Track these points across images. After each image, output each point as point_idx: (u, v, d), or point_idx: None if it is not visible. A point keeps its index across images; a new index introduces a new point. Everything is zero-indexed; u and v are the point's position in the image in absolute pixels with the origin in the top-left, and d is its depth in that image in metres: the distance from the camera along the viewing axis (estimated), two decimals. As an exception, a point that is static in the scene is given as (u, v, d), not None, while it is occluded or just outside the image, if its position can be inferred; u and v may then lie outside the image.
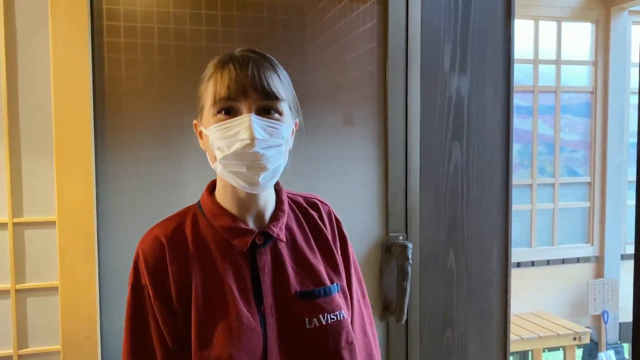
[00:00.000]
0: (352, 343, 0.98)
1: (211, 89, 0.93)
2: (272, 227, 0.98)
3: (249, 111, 0.90)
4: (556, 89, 3.89)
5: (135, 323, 0.94)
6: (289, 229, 1.02)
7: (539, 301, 3.87)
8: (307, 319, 0.95)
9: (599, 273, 4.00)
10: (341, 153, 1.72)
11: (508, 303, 1.90)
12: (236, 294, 0.93)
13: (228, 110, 0.92)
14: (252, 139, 0.88)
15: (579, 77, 3.95)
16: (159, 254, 0.93)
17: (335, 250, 1.05)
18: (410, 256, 1.71)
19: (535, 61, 3.83)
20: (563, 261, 3.94)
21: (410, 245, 1.72)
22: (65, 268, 1.47)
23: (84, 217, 1.48)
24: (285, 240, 0.99)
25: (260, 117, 0.91)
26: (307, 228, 1.04)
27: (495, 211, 1.87)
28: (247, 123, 0.89)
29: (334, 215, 1.11)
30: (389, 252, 1.76)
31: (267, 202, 1.00)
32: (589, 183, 3.99)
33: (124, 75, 1.54)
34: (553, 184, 3.92)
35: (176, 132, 1.57)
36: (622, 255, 3.98)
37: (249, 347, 0.91)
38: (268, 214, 1.00)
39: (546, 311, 3.82)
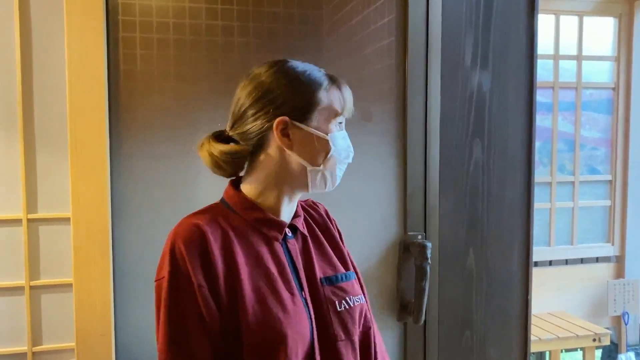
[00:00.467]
0: (370, 330, 1.06)
1: (335, 99, 1.02)
2: (296, 221, 1.06)
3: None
4: (577, 85, 3.81)
5: (175, 313, 0.92)
6: (304, 225, 1.09)
7: (558, 301, 3.80)
8: (336, 302, 1.01)
9: (619, 273, 3.93)
10: (359, 149, 1.62)
11: (529, 304, 1.86)
12: (280, 280, 0.97)
13: (341, 123, 1.04)
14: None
15: (600, 73, 3.86)
16: (200, 239, 0.93)
17: (341, 245, 1.13)
18: (429, 256, 1.67)
19: (556, 56, 3.75)
20: (582, 261, 3.86)
21: (429, 244, 1.68)
22: (80, 265, 1.46)
23: (99, 213, 1.46)
24: (303, 232, 1.07)
25: None
26: (314, 225, 1.11)
27: (516, 210, 1.83)
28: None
29: (329, 214, 1.18)
30: (407, 251, 1.72)
31: (296, 203, 1.09)
32: (610, 181, 3.91)
33: (140, 70, 1.52)
34: (573, 182, 3.85)
35: (192, 127, 1.54)
36: (643, 256, 3.90)
37: (301, 330, 0.94)
38: (293, 212, 1.07)
39: (564, 311, 3.76)
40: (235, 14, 1.58)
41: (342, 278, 1.06)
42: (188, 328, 0.91)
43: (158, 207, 1.54)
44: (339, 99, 1.02)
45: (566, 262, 3.85)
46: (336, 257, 1.09)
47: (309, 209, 1.14)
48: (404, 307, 1.73)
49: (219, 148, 1.00)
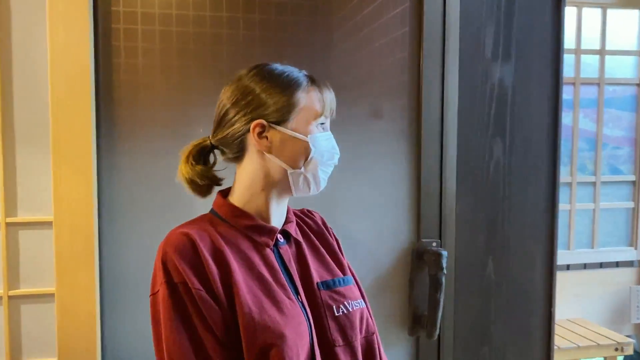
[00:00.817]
0: (373, 336, 1.04)
1: (315, 100, 1.00)
2: (288, 227, 1.05)
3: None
4: (599, 81, 3.64)
5: (177, 323, 0.90)
6: (296, 231, 1.08)
7: (577, 307, 3.64)
8: (334, 306, 0.99)
9: None
10: (368, 149, 1.57)
11: (552, 317, 1.72)
12: (274, 284, 0.96)
13: (323, 124, 1.02)
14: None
15: (624, 68, 3.69)
16: (191, 246, 0.93)
17: (338, 252, 1.12)
18: (444, 265, 1.54)
19: (578, 51, 3.59)
20: (601, 265, 3.70)
21: (445, 253, 1.55)
22: (63, 273, 1.34)
23: (83, 216, 1.34)
24: (296, 238, 1.06)
25: None
26: (309, 232, 1.10)
27: (539, 214, 1.70)
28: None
29: (326, 222, 1.17)
30: (420, 259, 1.60)
31: (286, 207, 1.07)
32: (634, 182, 3.74)
33: (130, 64, 1.40)
34: (594, 183, 3.69)
35: (184, 124, 1.42)
36: (668, 260, 3.73)
37: (299, 333, 0.93)
38: (284, 218, 1.06)
39: (584, 318, 3.60)
40: (241, 5, 1.46)
41: (339, 282, 1.04)
42: (192, 335, 0.90)
43: (149, 209, 1.42)
44: (319, 99, 1.01)
45: (584, 266, 3.69)
46: (334, 263, 1.08)
47: (304, 217, 1.14)
48: (417, 321, 1.61)
49: (197, 170, 1.02)
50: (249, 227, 1.00)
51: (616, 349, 3.19)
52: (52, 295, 1.36)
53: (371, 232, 1.58)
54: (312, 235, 1.11)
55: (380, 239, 1.59)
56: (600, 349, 3.17)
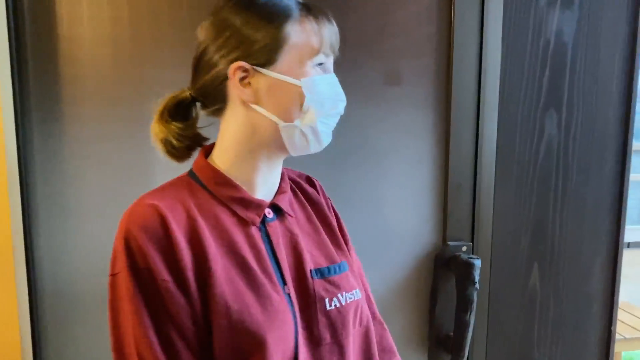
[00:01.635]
0: (368, 325, 0.95)
1: (311, 34, 0.85)
2: (279, 200, 0.91)
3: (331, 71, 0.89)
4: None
5: (143, 316, 0.79)
6: (291, 204, 0.94)
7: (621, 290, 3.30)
8: (327, 299, 0.88)
9: None
10: (382, 125, 1.26)
11: (612, 338, 1.39)
12: (259, 272, 0.84)
13: (322, 65, 0.86)
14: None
15: None
16: (160, 223, 0.80)
17: (337, 228, 0.99)
18: (477, 278, 1.21)
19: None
20: (628, 245, 3.33)
21: (477, 262, 1.22)
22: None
23: (-1, 218, 1.03)
24: (293, 215, 0.93)
25: None
26: (307, 204, 0.97)
27: (602, 211, 1.37)
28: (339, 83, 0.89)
29: (324, 191, 1.03)
30: (446, 268, 1.29)
31: (279, 173, 0.93)
32: None
33: (65, 31, 1.05)
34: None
35: (129, 104, 1.11)
36: None
37: (283, 334, 0.83)
38: (276, 187, 0.92)
39: (629, 302, 3.25)
40: None
41: (335, 270, 0.92)
42: (164, 330, 0.79)
43: (85, 205, 1.11)
44: (315, 32, 0.85)
45: (628, 245, 3.33)
46: (332, 244, 0.95)
47: (303, 184, 0.99)
48: (440, 343, 1.31)
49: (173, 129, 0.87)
50: (233, 199, 0.87)
51: (665, 341, 2.83)
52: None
53: (384, 233, 1.30)
54: (310, 208, 0.97)
55: (395, 241, 1.30)
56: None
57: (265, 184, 0.90)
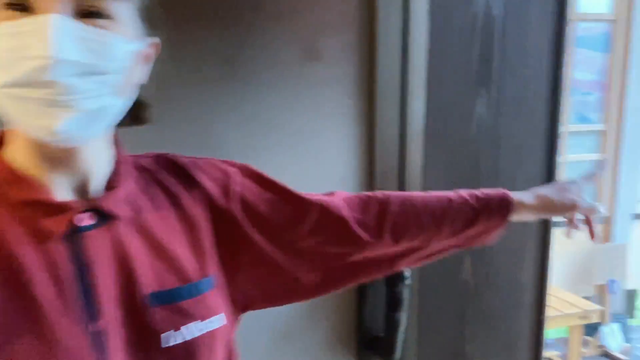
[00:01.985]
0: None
1: None
2: (104, 200, 0.72)
3: (54, 10, 0.62)
4: (570, 17, 3.33)
5: None
6: (132, 202, 0.74)
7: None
8: (163, 335, 0.70)
9: (605, 236, 3.59)
10: (301, 106, 1.17)
11: (541, 327, 1.39)
12: (50, 303, 0.65)
13: (22, 5, 0.62)
14: (51, 57, 0.60)
15: (597, 2, 3.48)
16: None
17: (209, 230, 0.79)
18: (406, 274, 1.13)
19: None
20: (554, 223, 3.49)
21: (407, 256, 1.13)
22: None
23: None
24: (121, 217, 0.73)
25: (75, 21, 0.63)
26: (167, 201, 0.77)
27: None
28: (44, 28, 0.60)
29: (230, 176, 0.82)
30: None
31: (95, 163, 0.72)
32: (603, 132, 3.53)
33: None
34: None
35: None
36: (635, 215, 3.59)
37: None
38: (98, 182, 0.72)
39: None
40: None
41: (189, 292, 0.73)
42: None
43: None
44: None
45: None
46: (196, 251, 0.76)
47: (164, 174, 0.78)
48: (370, 344, 1.24)
49: None
50: (27, 202, 0.68)
51: (581, 318, 2.96)
52: None
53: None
54: (170, 206, 0.77)
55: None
56: (567, 318, 2.92)
57: (69, 179, 0.71)
